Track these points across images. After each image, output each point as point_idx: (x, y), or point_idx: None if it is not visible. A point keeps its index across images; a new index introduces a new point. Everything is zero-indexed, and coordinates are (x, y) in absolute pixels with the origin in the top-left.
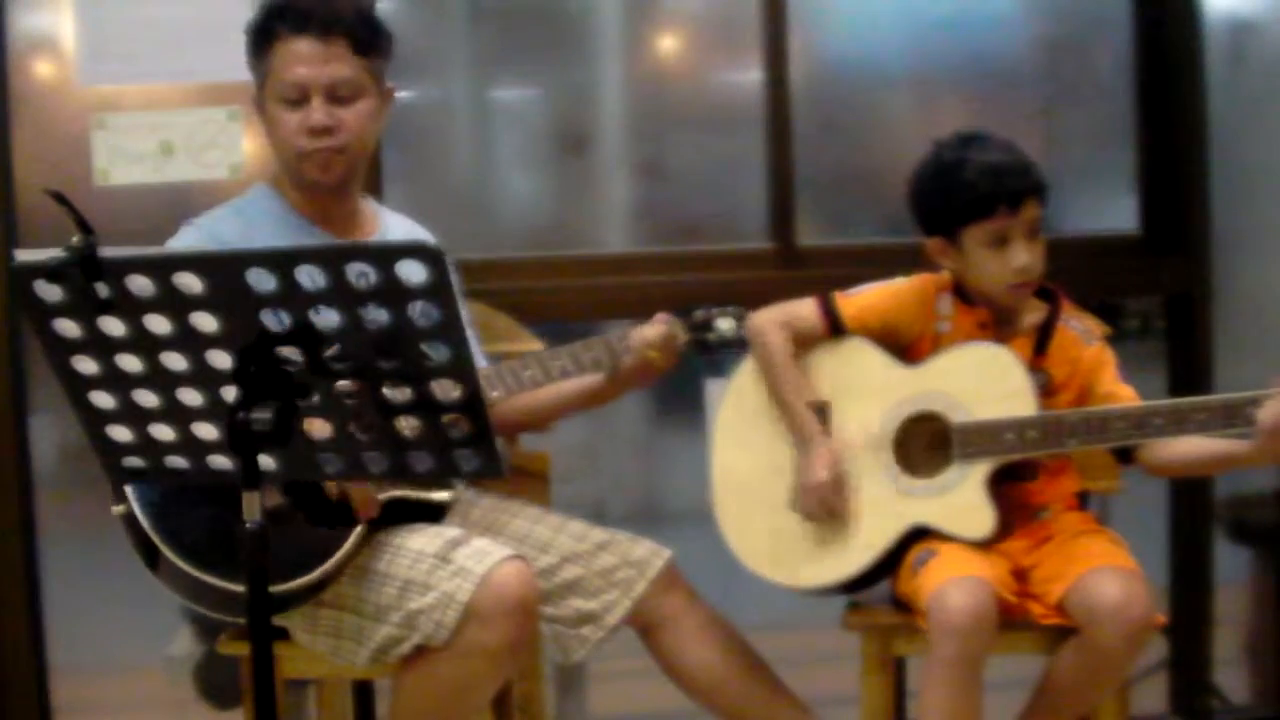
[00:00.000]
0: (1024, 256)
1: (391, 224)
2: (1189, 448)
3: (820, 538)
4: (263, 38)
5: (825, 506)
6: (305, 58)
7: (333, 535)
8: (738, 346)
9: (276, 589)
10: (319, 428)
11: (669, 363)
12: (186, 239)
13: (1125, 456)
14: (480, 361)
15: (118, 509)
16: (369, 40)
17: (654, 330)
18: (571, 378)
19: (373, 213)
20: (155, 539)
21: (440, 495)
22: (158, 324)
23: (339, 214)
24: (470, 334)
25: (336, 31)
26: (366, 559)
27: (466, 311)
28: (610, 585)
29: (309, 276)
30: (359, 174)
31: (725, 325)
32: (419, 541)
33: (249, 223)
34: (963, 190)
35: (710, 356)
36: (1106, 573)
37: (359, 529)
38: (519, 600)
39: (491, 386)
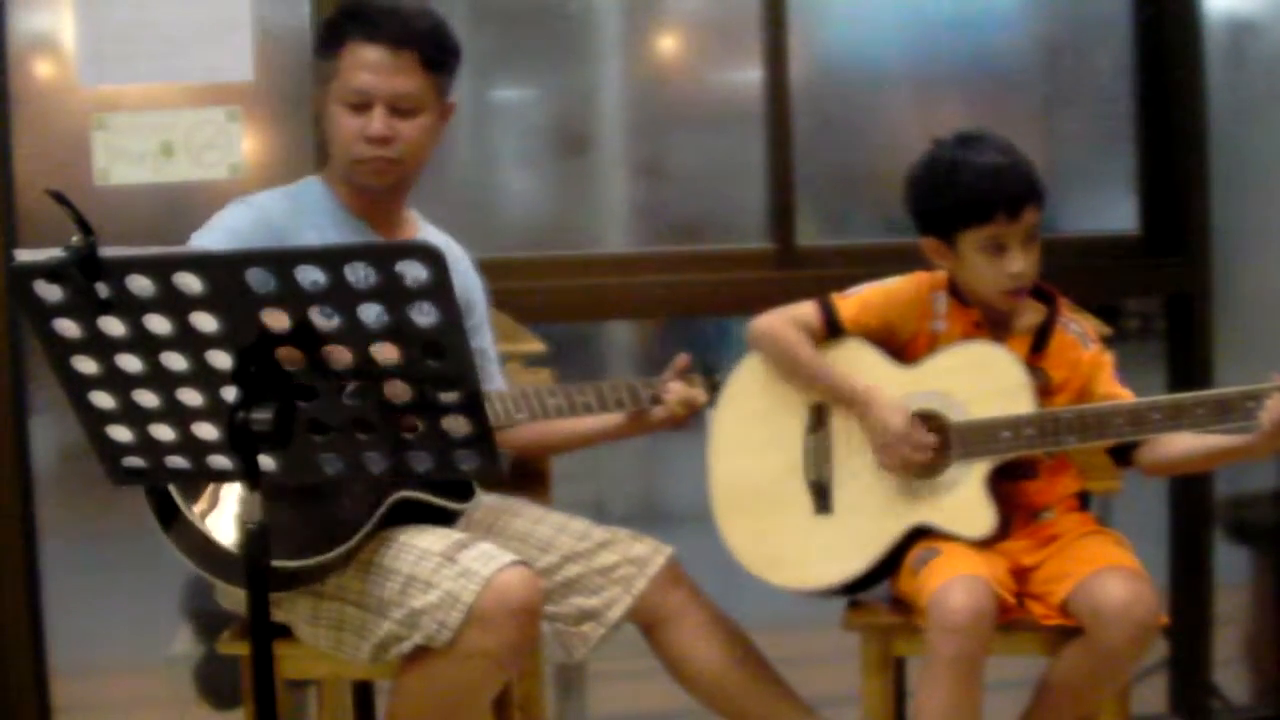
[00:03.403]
0: (1019, 263)
1: (428, 236)
2: (1186, 445)
3: (823, 539)
4: (334, 37)
5: (913, 451)
6: (373, 66)
7: (348, 520)
8: None
9: (286, 564)
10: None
11: (689, 418)
12: (237, 214)
13: (1123, 458)
14: (497, 383)
15: None
16: (438, 57)
17: (689, 391)
18: (593, 414)
19: (414, 220)
20: (174, 494)
21: (457, 505)
22: (158, 324)
23: (386, 216)
24: (489, 337)
25: (408, 45)
26: (372, 553)
27: (489, 315)
28: (611, 582)
29: (309, 276)
30: (410, 183)
31: None
32: (425, 540)
33: (300, 208)
34: (960, 194)
35: None
36: (1112, 573)
37: (368, 525)
38: (523, 604)
39: (518, 408)
